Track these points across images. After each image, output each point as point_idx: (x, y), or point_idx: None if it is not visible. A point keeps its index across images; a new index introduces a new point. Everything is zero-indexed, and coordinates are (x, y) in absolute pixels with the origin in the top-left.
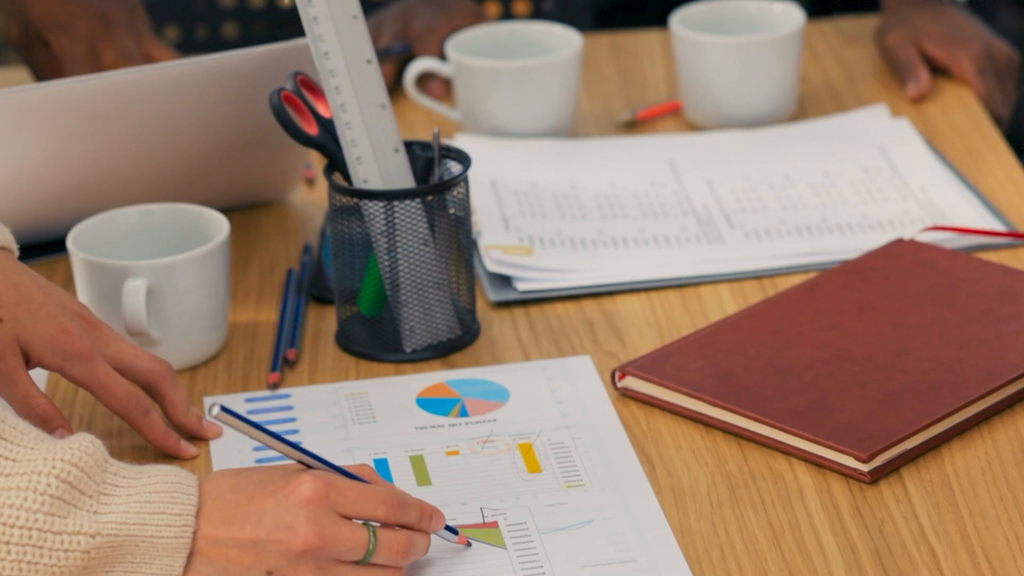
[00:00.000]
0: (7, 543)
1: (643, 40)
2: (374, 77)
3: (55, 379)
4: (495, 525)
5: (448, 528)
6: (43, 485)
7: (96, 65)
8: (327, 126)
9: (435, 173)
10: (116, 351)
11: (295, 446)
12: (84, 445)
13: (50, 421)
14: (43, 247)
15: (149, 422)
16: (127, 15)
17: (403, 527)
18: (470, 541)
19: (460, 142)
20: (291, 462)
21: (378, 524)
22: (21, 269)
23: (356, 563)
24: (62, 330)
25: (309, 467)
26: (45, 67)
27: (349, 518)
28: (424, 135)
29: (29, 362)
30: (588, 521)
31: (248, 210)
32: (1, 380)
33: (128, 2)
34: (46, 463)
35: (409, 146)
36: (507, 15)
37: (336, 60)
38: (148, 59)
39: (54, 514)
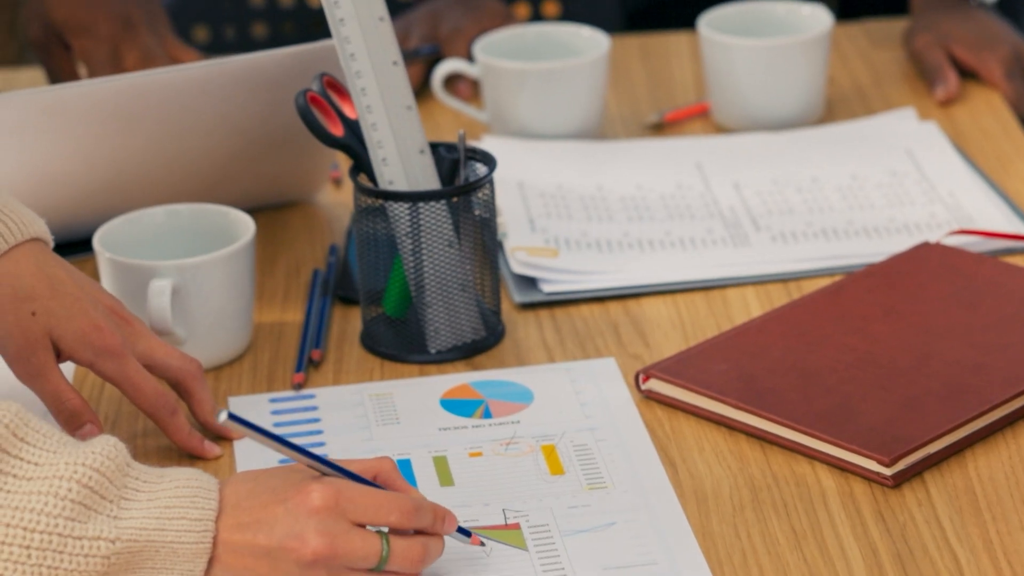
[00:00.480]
0: (28, 547)
1: (672, 42)
2: (400, 78)
3: (82, 374)
4: (517, 527)
5: (461, 530)
6: (64, 490)
7: (119, 67)
8: (353, 127)
9: (461, 175)
10: (147, 348)
11: (306, 452)
12: (106, 449)
13: (79, 416)
14: (70, 246)
15: (175, 422)
16: (149, 17)
17: (417, 532)
18: (483, 541)
19: (487, 143)
20: (271, 449)
21: (389, 530)
22: (56, 261)
23: (370, 571)
24: (94, 325)
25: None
26: (62, 69)
27: (363, 525)
28: (452, 136)
29: (60, 356)
30: (610, 523)
31: (275, 210)
32: (32, 374)
33: (149, 5)
34: (68, 468)
35: (435, 147)
36: (536, 17)
37: (362, 61)
38: (171, 60)
39: (75, 519)
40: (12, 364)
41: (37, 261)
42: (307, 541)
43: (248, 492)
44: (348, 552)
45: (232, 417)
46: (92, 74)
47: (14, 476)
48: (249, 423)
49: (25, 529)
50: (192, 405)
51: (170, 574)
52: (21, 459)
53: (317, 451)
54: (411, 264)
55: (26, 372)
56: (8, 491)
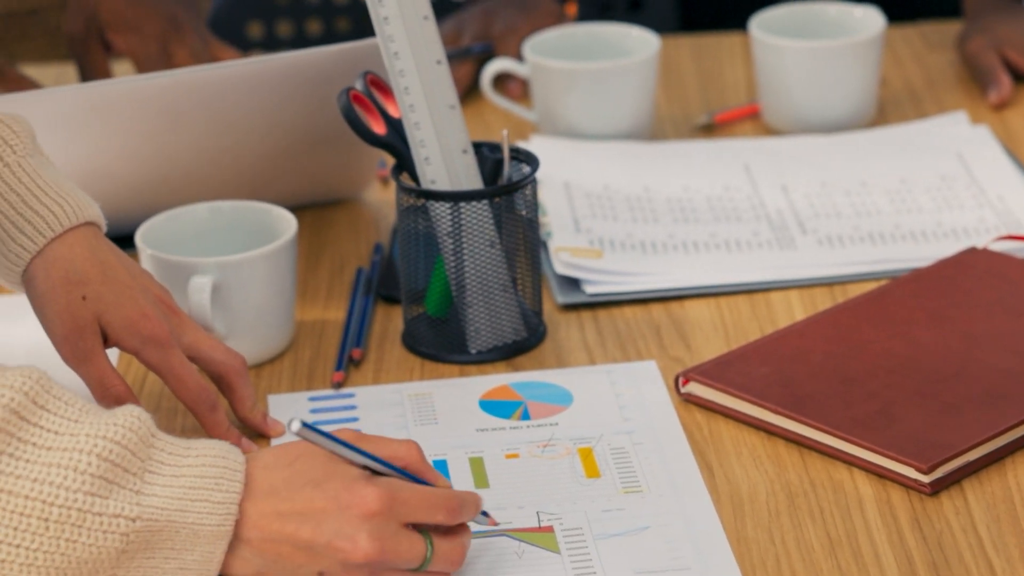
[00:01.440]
0: (45, 520)
1: (725, 43)
2: (444, 78)
3: (124, 365)
4: (551, 530)
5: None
6: (84, 464)
7: (169, 64)
8: (396, 126)
9: (503, 175)
10: (193, 340)
11: (373, 458)
12: (129, 421)
13: (123, 402)
14: (117, 241)
15: (214, 418)
16: (194, 18)
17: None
18: (498, 522)
19: (536, 143)
20: (339, 456)
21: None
22: (108, 247)
23: (411, 570)
24: (142, 313)
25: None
26: (96, 67)
27: (410, 525)
28: (500, 136)
29: (107, 342)
30: (644, 527)
31: (321, 208)
32: (78, 357)
33: (193, 6)
34: (88, 440)
35: (478, 147)
36: (591, 16)
37: (406, 60)
38: (215, 60)
39: (96, 494)
40: (59, 346)
41: (90, 246)
42: (359, 544)
43: (285, 480)
44: (396, 556)
45: (306, 426)
46: (142, 71)
47: (33, 445)
48: (323, 431)
49: (44, 502)
50: (233, 401)
51: (191, 555)
52: (41, 427)
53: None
54: (452, 264)
55: (73, 355)
56: (27, 460)
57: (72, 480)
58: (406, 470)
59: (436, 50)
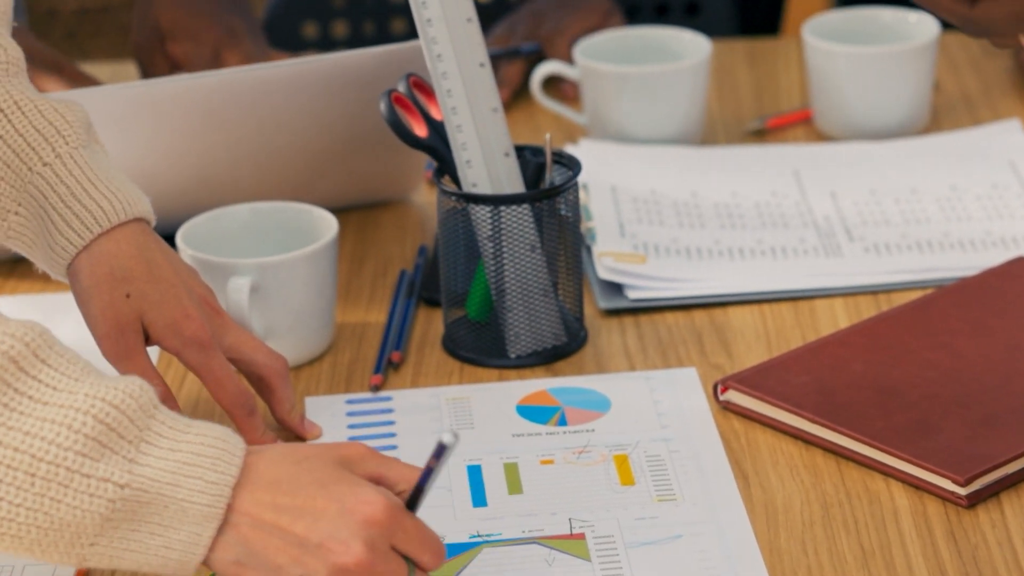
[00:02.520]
0: (32, 475)
1: (781, 47)
2: (486, 80)
3: (164, 365)
4: (582, 537)
5: None
6: (79, 423)
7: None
8: (438, 129)
9: (546, 178)
10: (235, 340)
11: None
12: (131, 388)
13: (163, 402)
14: None
15: (252, 422)
16: (251, 28)
17: None
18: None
19: (584, 147)
20: (341, 458)
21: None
22: (156, 243)
23: None
24: (185, 314)
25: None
26: (158, 74)
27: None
28: (552, 138)
29: (148, 341)
30: (676, 536)
31: (368, 209)
32: (119, 355)
33: (251, 18)
34: (86, 400)
35: (521, 151)
36: (646, 19)
37: (449, 63)
38: None
39: (86, 455)
40: (101, 343)
41: (138, 243)
42: (352, 548)
43: (290, 475)
44: (382, 572)
45: (444, 447)
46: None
47: (29, 398)
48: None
49: (33, 456)
50: (272, 403)
51: (177, 534)
52: (39, 381)
53: (387, 454)
54: (492, 268)
55: (114, 352)
56: (21, 412)
57: (65, 438)
58: (403, 494)
59: (479, 53)
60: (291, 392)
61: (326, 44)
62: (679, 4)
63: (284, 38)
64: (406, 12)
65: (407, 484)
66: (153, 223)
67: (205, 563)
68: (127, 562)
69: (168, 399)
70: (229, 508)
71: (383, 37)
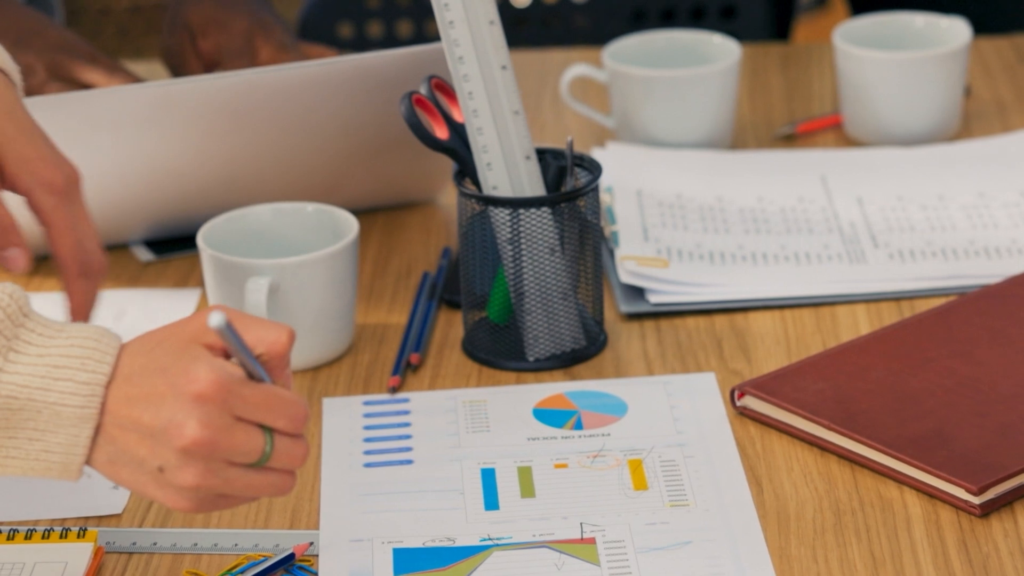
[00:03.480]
0: None
1: (815, 51)
2: (508, 83)
3: None
4: (592, 541)
5: None
6: None
7: (253, 58)
8: (459, 131)
9: (567, 182)
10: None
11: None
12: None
13: (7, 234)
14: (185, 241)
15: (79, 285)
16: (281, 24)
17: None
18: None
19: (611, 150)
20: (192, 334)
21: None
22: (18, 98)
23: (250, 466)
24: (41, 155)
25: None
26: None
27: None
28: (580, 139)
29: (3, 182)
30: (686, 542)
31: (394, 211)
32: None
33: (279, 17)
34: None
35: (542, 154)
36: (683, 23)
37: (470, 65)
38: (305, 56)
39: None
40: None
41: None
42: (186, 428)
43: (141, 366)
44: (228, 446)
45: (227, 327)
46: (227, 67)
47: None
48: (235, 335)
49: None
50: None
51: (55, 437)
52: None
53: (402, 456)
54: (511, 270)
55: None
56: None
57: None
58: (261, 359)
59: (502, 55)
60: (88, 296)
61: (361, 44)
62: (715, 7)
63: (319, 38)
64: None
65: (264, 347)
66: (18, 86)
67: (88, 463)
68: (11, 469)
69: (14, 235)
70: (103, 408)
71: (419, 37)
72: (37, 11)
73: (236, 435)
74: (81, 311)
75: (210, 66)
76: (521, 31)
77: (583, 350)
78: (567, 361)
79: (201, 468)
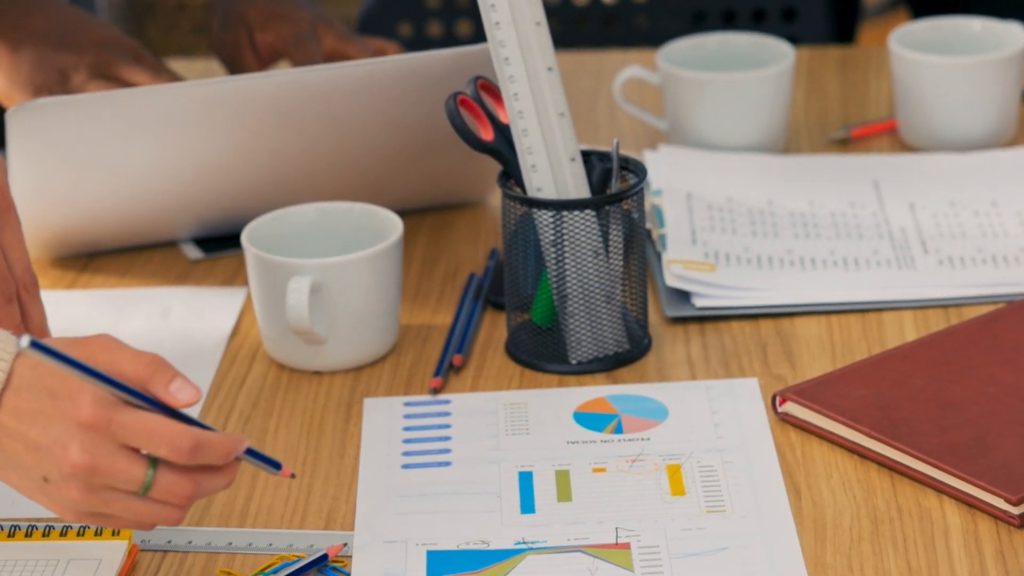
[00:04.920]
0: None
1: (874, 55)
2: (554, 85)
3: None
4: (627, 547)
5: (267, 459)
6: None
7: (317, 44)
8: (504, 132)
9: (613, 184)
10: (6, 240)
11: (103, 377)
12: None
13: None
14: (234, 239)
15: (7, 310)
16: (339, 21)
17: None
18: (294, 474)
19: (663, 152)
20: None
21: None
22: None
23: (135, 494)
24: None
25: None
26: (246, 70)
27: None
28: (633, 142)
29: None
30: (722, 548)
31: (444, 211)
32: None
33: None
34: None
35: (588, 156)
36: (743, 25)
37: (516, 66)
38: (366, 49)
39: None
40: None
41: None
42: (69, 452)
43: (29, 381)
44: (107, 473)
45: (35, 344)
46: (290, 56)
47: None
48: (54, 351)
49: None
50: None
51: None
52: None
53: (440, 458)
54: (555, 273)
55: None
56: None
57: None
58: (145, 389)
59: (548, 57)
60: (41, 308)
61: (421, 44)
62: (776, 9)
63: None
64: None
65: (131, 382)
66: None
67: None
68: None
69: None
70: None
71: (478, 37)
72: (80, 8)
73: (117, 463)
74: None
75: (269, 59)
76: (581, 31)
77: (626, 353)
78: (610, 364)
79: (83, 488)
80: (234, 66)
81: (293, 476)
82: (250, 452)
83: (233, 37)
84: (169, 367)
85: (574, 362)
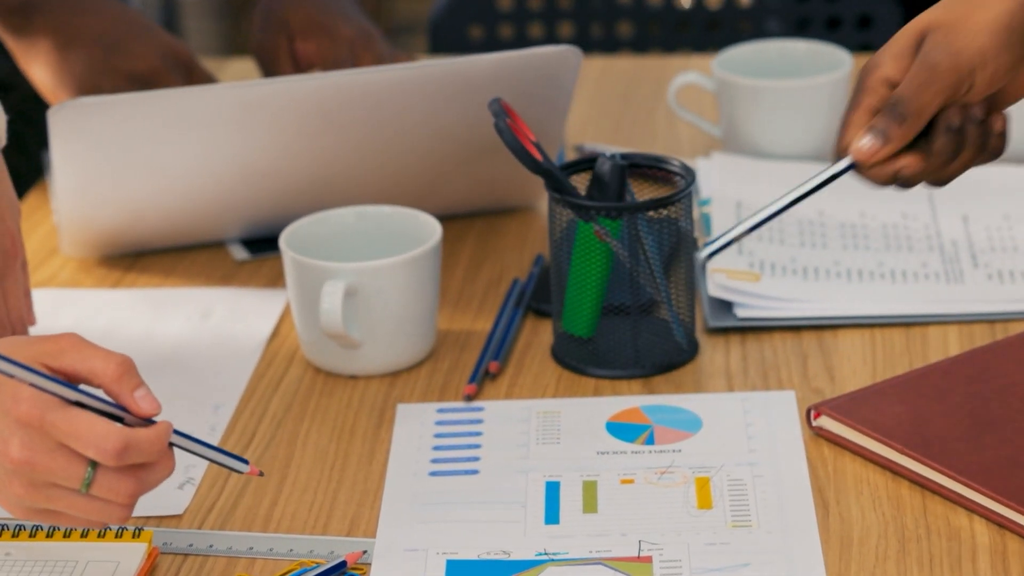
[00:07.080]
0: None
1: None
2: None
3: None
4: (649, 560)
5: (230, 455)
6: None
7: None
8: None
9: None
10: (7, 287)
11: (46, 376)
12: None
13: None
14: (270, 242)
15: None
16: (377, 27)
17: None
18: (262, 472)
19: (715, 160)
20: (41, 352)
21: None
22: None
23: (78, 491)
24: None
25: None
26: (281, 73)
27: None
28: (689, 148)
29: None
30: (744, 564)
31: (492, 216)
32: None
33: (374, 25)
34: None
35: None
36: (816, 33)
37: None
38: None
39: None
40: None
41: None
42: (10, 447)
43: None
44: (47, 470)
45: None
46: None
47: None
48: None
49: None
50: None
51: None
52: None
53: (468, 466)
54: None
55: None
56: None
57: None
58: (103, 386)
59: None
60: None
61: (492, 46)
62: (851, 17)
63: (450, 40)
64: (572, 15)
65: (96, 376)
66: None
67: None
68: None
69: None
70: None
71: (550, 39)
72: (138, 13)
73: (56, 459)
74: None
75: (304, 68)
76: (685, 34)
77: (667, 363)
78: (649, 372)
79: (26, 483)
80: (269, 70)
81: (261, 474)
82: (207, 446)
83: (273, 41)
84: (138, 374)
85: (614, 370)
